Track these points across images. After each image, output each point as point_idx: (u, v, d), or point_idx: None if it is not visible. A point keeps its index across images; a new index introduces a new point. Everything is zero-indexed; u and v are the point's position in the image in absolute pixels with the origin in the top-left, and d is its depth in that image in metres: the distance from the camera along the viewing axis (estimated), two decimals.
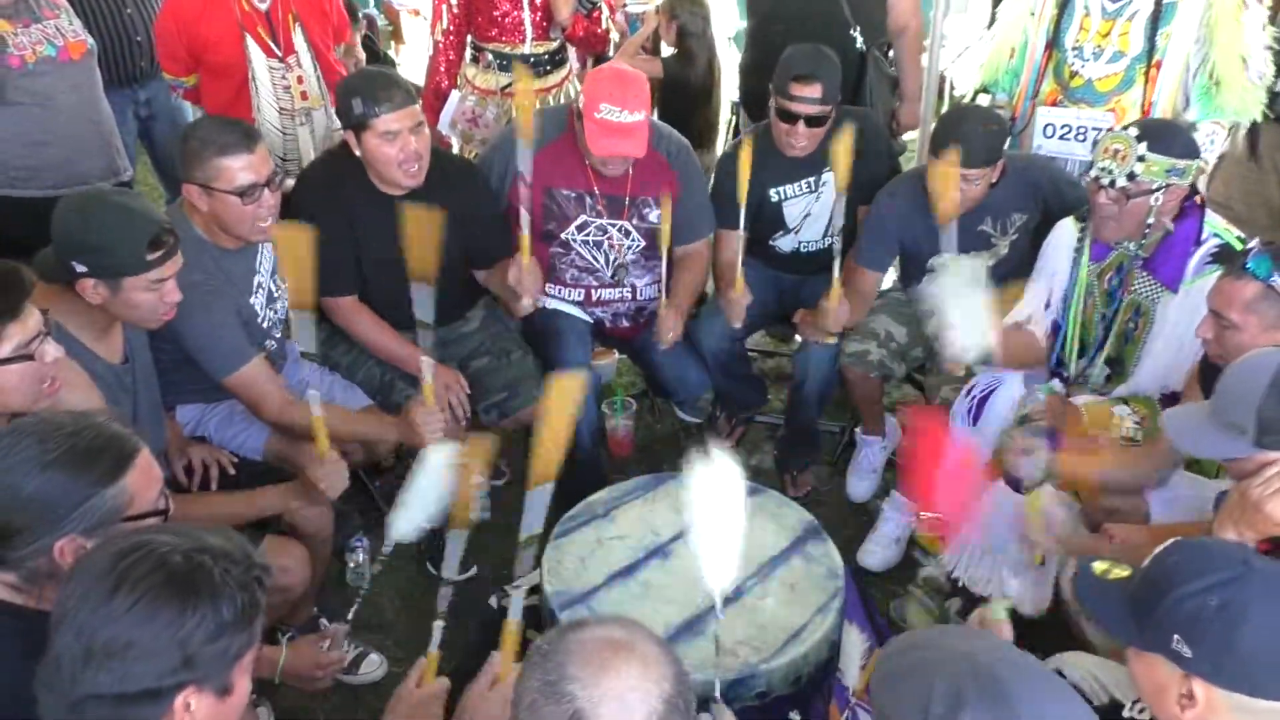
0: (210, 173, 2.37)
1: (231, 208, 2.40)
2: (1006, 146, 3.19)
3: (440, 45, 3.46)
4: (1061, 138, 3.09)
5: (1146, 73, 2.99)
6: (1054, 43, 3.08)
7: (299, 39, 3.17)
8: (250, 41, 3.11)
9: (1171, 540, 1.45)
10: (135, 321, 2.19)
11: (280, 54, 3.15)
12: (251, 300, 2.58)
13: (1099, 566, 1.51)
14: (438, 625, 1.83)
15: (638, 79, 2.83)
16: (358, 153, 2.68)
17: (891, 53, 3.70)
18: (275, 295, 2.68)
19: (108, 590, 1.23)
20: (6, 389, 1.79)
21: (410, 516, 1.94)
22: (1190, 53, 2.96)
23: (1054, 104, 3.12)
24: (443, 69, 3.49)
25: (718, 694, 1.69)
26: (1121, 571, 1.48)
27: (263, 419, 2.55)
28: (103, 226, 2.05)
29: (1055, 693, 1.23)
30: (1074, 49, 3.04)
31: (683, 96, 4.18)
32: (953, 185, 2.62)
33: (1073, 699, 1.25)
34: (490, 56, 3.42)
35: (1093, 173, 2.48)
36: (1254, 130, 3.26)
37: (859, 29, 3.47)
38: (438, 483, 1.92)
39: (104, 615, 1.22)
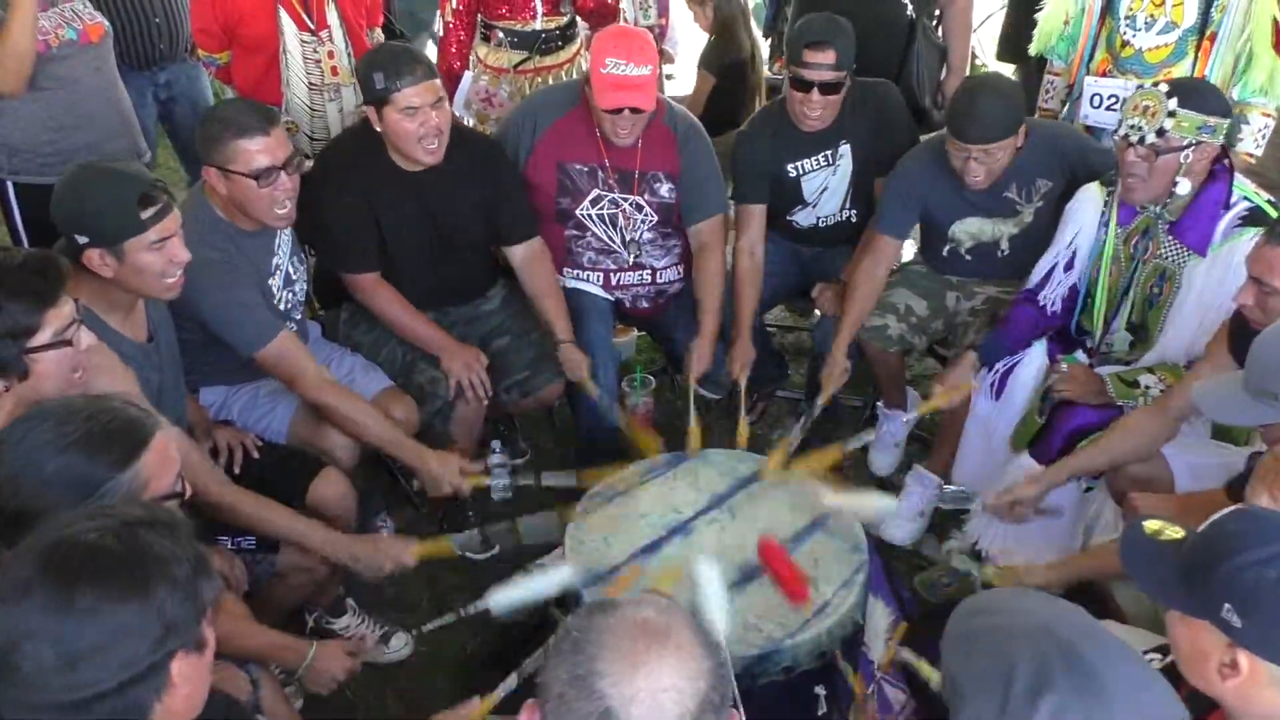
0: (227, 155, 2.38)
1: (248, 191, 2.40)
2: (1064, 115, 3.15)
3: (451, 26, 3.46)
4: (1109, 108, 3.03)
5: (1198, 45, 2.92)
6: (1108, 10, 3.02)
7: (332, 15, 3.18)
8: (283, 13, 3.12)
9: (1234, 507, 1.41)
10: (149, 290, 2.18)
11: (313, 28, 3.16)
12: (270, 282, 2.59)
13: (1151, 526, 1.46)
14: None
15: (643, 34, 2.82)
16: (378, 128, 2.68)
17: (939, 23, 3.66)
18: (294, 277, 2.69)
19: (65, 597, 1.20)
20: (44, 375, 1.81)
21: (512, 596, 2.09)
22: (1239, 26, 2.90)
23: (1104, 74, 3.06)
24: (454, 50, 3.48)
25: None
26: (1175, 533, 1.43)
27: (302, 395, 2.55)
28: (92, 194, 2.08)
29: (1139, 671, 1.20)
30: (1127, 18, 2.97)
31: (729, 77, 4.14)
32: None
33: (1155, 677, 1.21)
34: (501, 34, 3.41)
35: (1121, 130, 2.44)
36: None
37: None
38: (547, 588, 2.09)
39: (75, 620, 1.19)
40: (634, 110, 2.75)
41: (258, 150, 2.38)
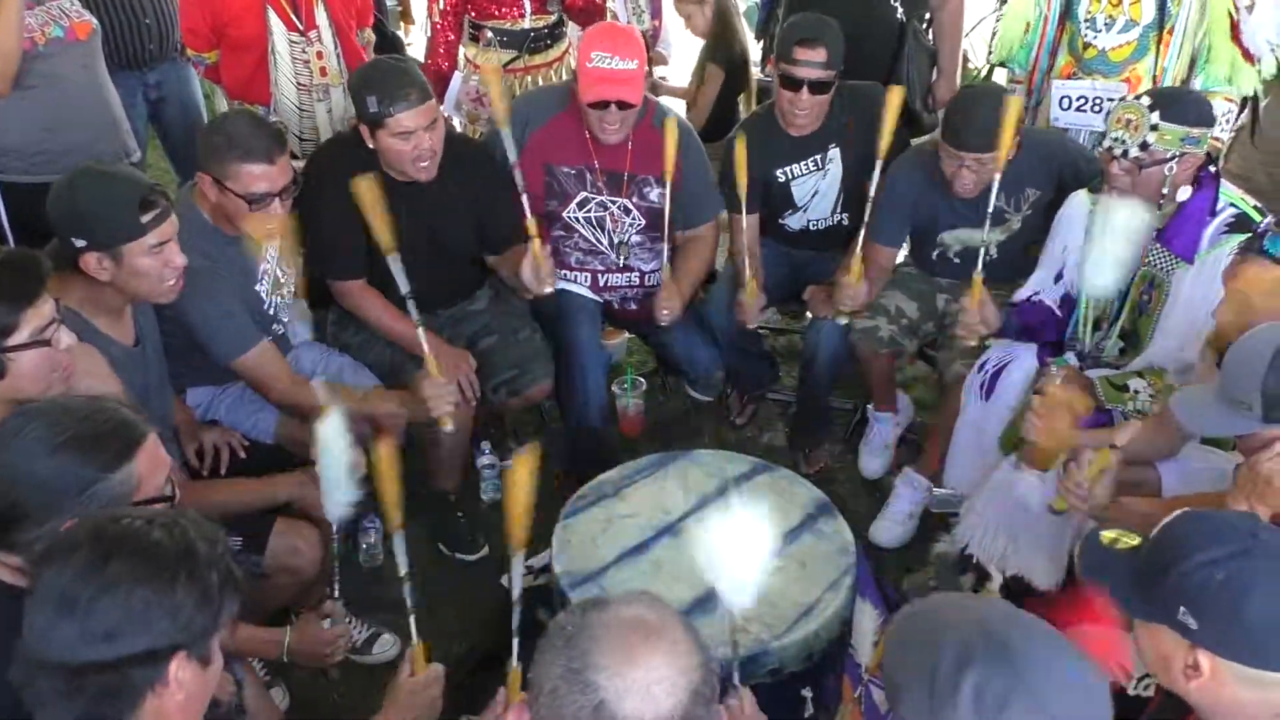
0: (227, 172, 2.38)
1: (239, 209, 2.41)
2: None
3: (439, 26, 3.46)
4: (1078, 109, 3.06)
5: (1159, 39, 2.95)
6: (1067, 15, 3.04)
7: (321, 15, 3.17)
8: (271, 13, 3.12)
9: (1180, 511, 1.43)
10: (146, 294, 2.18)
11: (301, 28, 3.15)
12: (257, 287, 2.59)
13: (1107, 535, 1.48)
14: (411, 619, 1.87)
15: (629, 30, 2.85)
16: (370, 144, 2.68)
17: (929, 26, 3.66)
18: (281, 281, 2.68)
19: (100, 565, 1.25)
20: (22, 375, 1.80)
21: (333, 496, 1.95)
22: (1196, 19, 2.93)
23: (1069, 77, 3.08)
24: (442, 50, 3.49)
25: (736, 681, 1.69)
26: (1130, 540, 1.46)
27: (270, 401, 2.57)
28: (92, 197, 2.06)
29: (1064, 655, 1.22)
30: (1086, 20, 3.00)
31: (731, 76, 4.13)
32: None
33: (1081, 661, 1.23)
34: (490, 34, 3.42)
35: (1105, 143, 2.45)
36: (1254, 105, 3.20)
37: (900, 0, 3.43)
38: (339, 453, 1.92)
39: (101, 586, 1.24)
40: (620, 105, 2.75)
41: (259, 176, 2.39)
